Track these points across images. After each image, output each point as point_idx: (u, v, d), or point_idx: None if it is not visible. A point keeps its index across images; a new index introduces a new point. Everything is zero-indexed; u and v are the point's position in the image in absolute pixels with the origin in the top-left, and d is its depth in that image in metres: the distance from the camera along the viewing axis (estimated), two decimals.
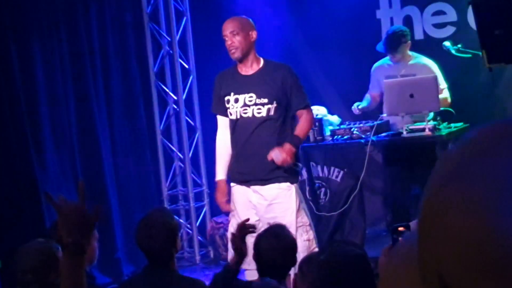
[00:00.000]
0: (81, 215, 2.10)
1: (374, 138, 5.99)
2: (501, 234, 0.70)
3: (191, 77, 7.40)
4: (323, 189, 6.29)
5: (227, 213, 7.22)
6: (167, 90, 7.39)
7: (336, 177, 6.23)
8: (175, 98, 7.36)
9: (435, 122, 5.97)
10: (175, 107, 7.39)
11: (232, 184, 4.98)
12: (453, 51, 6.23)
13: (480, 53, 5.00)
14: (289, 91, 4.79)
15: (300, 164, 5.05)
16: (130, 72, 7.17)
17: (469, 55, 6.08)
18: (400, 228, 1.98)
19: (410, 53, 6.33)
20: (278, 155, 4.69)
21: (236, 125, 4.88)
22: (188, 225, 7.40)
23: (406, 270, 0.89)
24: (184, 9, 7.34)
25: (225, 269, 3.64)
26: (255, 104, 4.79)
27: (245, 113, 4.82)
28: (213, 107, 5.06)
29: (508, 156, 0.74)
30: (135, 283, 3.80)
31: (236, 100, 4.84)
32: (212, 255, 7.11)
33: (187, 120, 7.37)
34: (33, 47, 6.22)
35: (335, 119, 6.44)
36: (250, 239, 3.75)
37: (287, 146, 4.73)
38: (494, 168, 0.73)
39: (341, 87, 7.00)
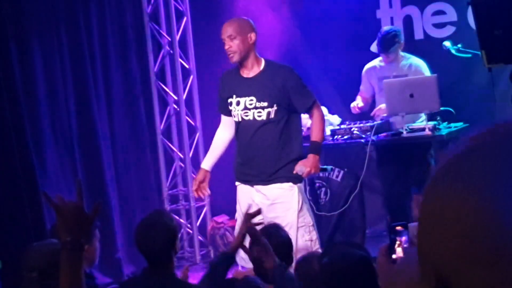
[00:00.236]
0: (79, 214, 2.11)
1: (374, 138, 6.00)
2: (496, 221, 0.71)
3: (191, 77, 7.40)
4: (323, 189, 6.30)
5: (227, 213, 7.24)
6: (168, 90, 7.39)
7: (337, 177, 6.24)
8: (176, 98, 7.36)
9: (435, 122, 5.98)
10: (176, 107, 7.40)
11: (236, 183, 5.04)
12: (453, 51, 6.23)
13: (480, 53, 5.00)
14: (291, 93, 4.78)
15: (328, 167, 5.25)
16: (130, 72, 7.17)
17: (469, 55, 6.08)
18: (398, 228, 1.98)
19: (401, 53, 6.34)
20: (303, 169, 4.74)
21: (239, 127, 4.93)
22: (189, 225, 7.40)
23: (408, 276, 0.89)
24: (184, 9, 7.34)
25: (222, 257, 3.62)
26: (255, 108, 4.81)
27: (246, 116, 4.85)
28: (218, 106, 5.11)
29: (506, 153, 0.75)
30: (134, 285, 3.80)
31: (238, 103, 4.87)
32: (212, 255, 7.11)
33: (187, 120, 7.37)
34: (33, 46, 6.22)
35: (335, 119, 6.45)
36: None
37: (311, 157, 4.78)
38: (491, 161, 0.75)
39: (341, 87, 7.00)
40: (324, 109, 6.45)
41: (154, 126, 7.31)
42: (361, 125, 6.15)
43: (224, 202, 6.81)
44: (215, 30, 5.32)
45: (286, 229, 4.29)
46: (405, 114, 6.02)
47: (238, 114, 4.88)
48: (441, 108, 5.94)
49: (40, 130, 6.20)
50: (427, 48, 6.75)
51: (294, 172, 4.76)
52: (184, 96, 7.33)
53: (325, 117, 6.31)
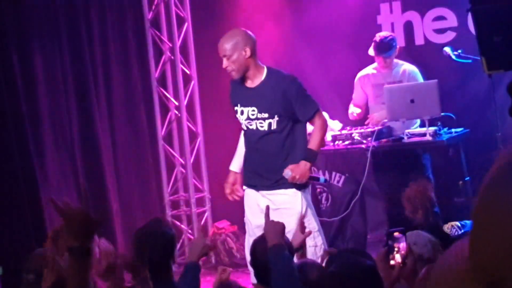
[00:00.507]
0: (85, 219, 2.09)
1: (375, 144, 6.00)
2: None
3: (192, 83, 7.41)
4: (324, 194, 6.30)
5: (228, 219, 7.24)
6: (169, 96, 7.40)
7: (338, 182, 6.24)
8: (177, 103, 7.38)
9: (435, 127, 5.98)
10: (177, 112, 7.41)
11: (244, 187, 5.07)
12: (453, 57, 6.23)
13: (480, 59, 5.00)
14: (293, 103, 4.78)
15: (320, 177, 5.24)
16: (131, 78, 7.18)
17: (470, 61, 6.08)
18: (395, 234, 1.99)
19: (394, 60, 6.37)
20: (289, 173, 4.75)
21: (245, 134, 5.00)
22: (190, 231, 7.40)
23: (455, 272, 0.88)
24: (185, 15, 7.36)
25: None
26: (257, 119, 4.85)
27: (250, 125, 4.90)
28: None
29: None
30: None
31: (242, 112, 4.92)
32: (213, 261, 7.11)
33: (188, 126, 7.38)
34: (34, 52, 6.23)
35: (336, 124, 6.45)
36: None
37: (301, 164, 4.78)
38: None
39: (342, 92, 7.00)
40: (325, 115, 6.47)
41: (155, 132, 7.32)
42: (362, 130, 6.15)
43: (225, 208, 6.82)
44: (216, 35, 5.33)
45: (290, 234, 4.29)
46: (406, 119, 6.02)
47: (242, 123, 4.94)
48: (442, 114, 5.94)
49: (41, 136, 6.21)
50: (427, 54, 6.76)
51: (283, 174, 4.78)
52: (185, 102, 7.34)
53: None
